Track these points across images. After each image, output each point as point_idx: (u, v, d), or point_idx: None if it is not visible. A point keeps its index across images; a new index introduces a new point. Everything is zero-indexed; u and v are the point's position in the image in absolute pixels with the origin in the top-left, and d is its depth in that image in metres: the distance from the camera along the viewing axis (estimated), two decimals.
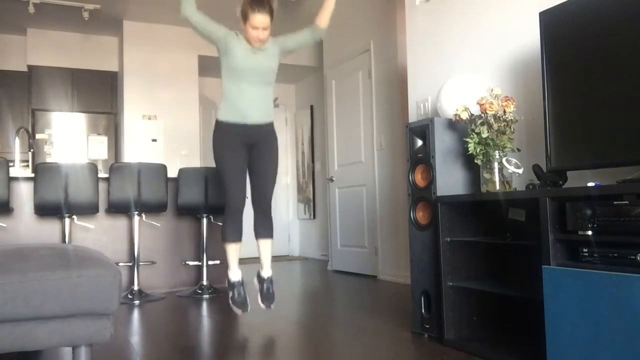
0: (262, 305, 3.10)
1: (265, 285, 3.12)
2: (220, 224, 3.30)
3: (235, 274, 3.15)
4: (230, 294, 3.14)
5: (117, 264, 3.75)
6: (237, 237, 3.10)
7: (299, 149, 7.93)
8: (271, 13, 3.00)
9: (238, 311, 3.09)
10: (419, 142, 2.74)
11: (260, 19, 2.94)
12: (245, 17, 2.98)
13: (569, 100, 2.15)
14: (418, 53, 3.52)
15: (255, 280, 3.21)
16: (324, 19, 3.21)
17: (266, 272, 3.16)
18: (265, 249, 3.16)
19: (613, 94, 1.98)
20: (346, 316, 3.37)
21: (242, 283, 3.15)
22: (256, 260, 3.27)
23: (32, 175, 4.10)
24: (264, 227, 3.14)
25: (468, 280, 2.57)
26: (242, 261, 3.40)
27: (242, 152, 3.07)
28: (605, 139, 2.00)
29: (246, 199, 3.12)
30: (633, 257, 1.73)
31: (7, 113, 6.39)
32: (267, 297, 3.10)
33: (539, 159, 2.46)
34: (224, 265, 4.58)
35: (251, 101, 3.06)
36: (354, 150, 5.54)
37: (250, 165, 3.14)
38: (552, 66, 2.21)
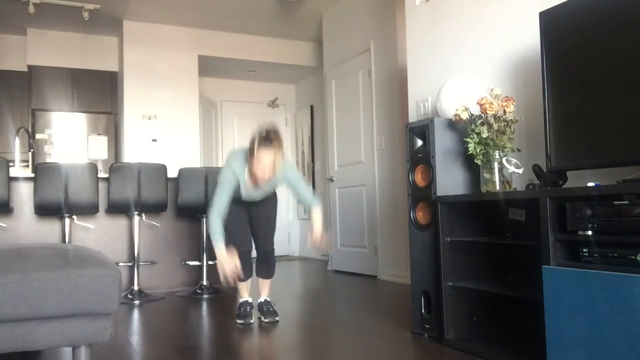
0: (265, 320, 3.22)
1: (264, 307, 3.29)
2: None
3: (244, 297, 3.34)
4: (237, 311, 3.29)
5: (117, 264, 3.75)
6: (248, 277, 3.27)
7: (299, 149, 7.93)
8: (279, 150, 2.92)
9: (240, 321, 3.21)
10: (419, 142, 2.74)
11: (266, 155, 2.88)
12: (252, 151, 2.92)
13: (569, 100, 2.15)
14: (418, 53, 3.52)
15: (257, 309, 3.35)
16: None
17: (263, 297, 3.35)
18: (265, 283, 3.37)
19: (613, 94, 1.98)
20: (346, 316, 3.37)
21: (248, 302, 3.31)
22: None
23: (32, 175, 4.09)
24: (265, 269, 3.34)
25: (468, 280, 2.57)
26: None
27: (243, 205, 3.21)
28: (605, 139, 2.00)
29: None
30: (633, 257, 1.73)
31: (7, 113, 6.38)
32: (268, 313, 3.25)
33: (539, 159, 2.46)
34: None
35: (251, 202, 3.21)
36: (354, 150, 5.54)
37: (250, 214, 3.26)
38: (552, 66, 2.21)
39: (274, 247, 3.32)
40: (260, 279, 3.34)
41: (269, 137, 2.90)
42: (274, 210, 3.30)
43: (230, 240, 3.15)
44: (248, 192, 3.08)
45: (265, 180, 2.96)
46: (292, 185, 3.11)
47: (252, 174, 2.98)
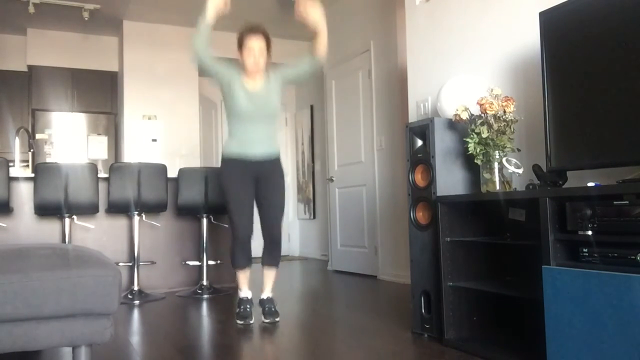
0: (266, 321, 3.19)
1: (266, 305, 3.25)
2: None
3: (244, 292, 3.30)
4: (237, 309, 3.26)
5: (117, 264, 3.75)
6: (246, 264, 3.24)
7: (299, 149, 7.93)
8: (266, 39, 3.11)
9: (240, 322, 3.18)
10: (419, 142, 2.74)
11: (254, 41, 3.06)
12: (241, 44, 3.10)
13: (569, 100, 2.15)
14: (418, 53, 3.52)
15: (258, 305, 3.31)
16: (320, 49, 3.09)
17: (265, 294, 3.30)
18: (269, 276, 3.31)
19: (613, 94, 1.98)
20: (346, 316, 3.37)
21: (249, 300, 3.28)
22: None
23: (32, 175, 4.09)
24: (271, 257, 3.28)
25: (468, 280, 2.57)
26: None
27: (249, 185, 3.16)
28: (605, 139, 2.00)
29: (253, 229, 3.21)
30: (633, 257, 1.73)
31: (7, 113, 6.39)
32: (269, 313, 3.22)
33: (539, 159, 2.46)
34: (224, 265, 4.60)
35: (254, 138, 3.14)
36: (354, 150, 5.54)
37: (257, 198, 3.21)
38: (552, 66, 2.21)
39: (281, 234, 3.24)
40: (265, 270, 3.28)
41: (255, 26, 3.09)
42: (283, 192, 3.23)
43: (230, 225, 3.13)
44: (246, 103, 3.07)
45: (259, 70, 3.07)
46: (291, 72, 3.19)
47: (244, 68, 3.09)
